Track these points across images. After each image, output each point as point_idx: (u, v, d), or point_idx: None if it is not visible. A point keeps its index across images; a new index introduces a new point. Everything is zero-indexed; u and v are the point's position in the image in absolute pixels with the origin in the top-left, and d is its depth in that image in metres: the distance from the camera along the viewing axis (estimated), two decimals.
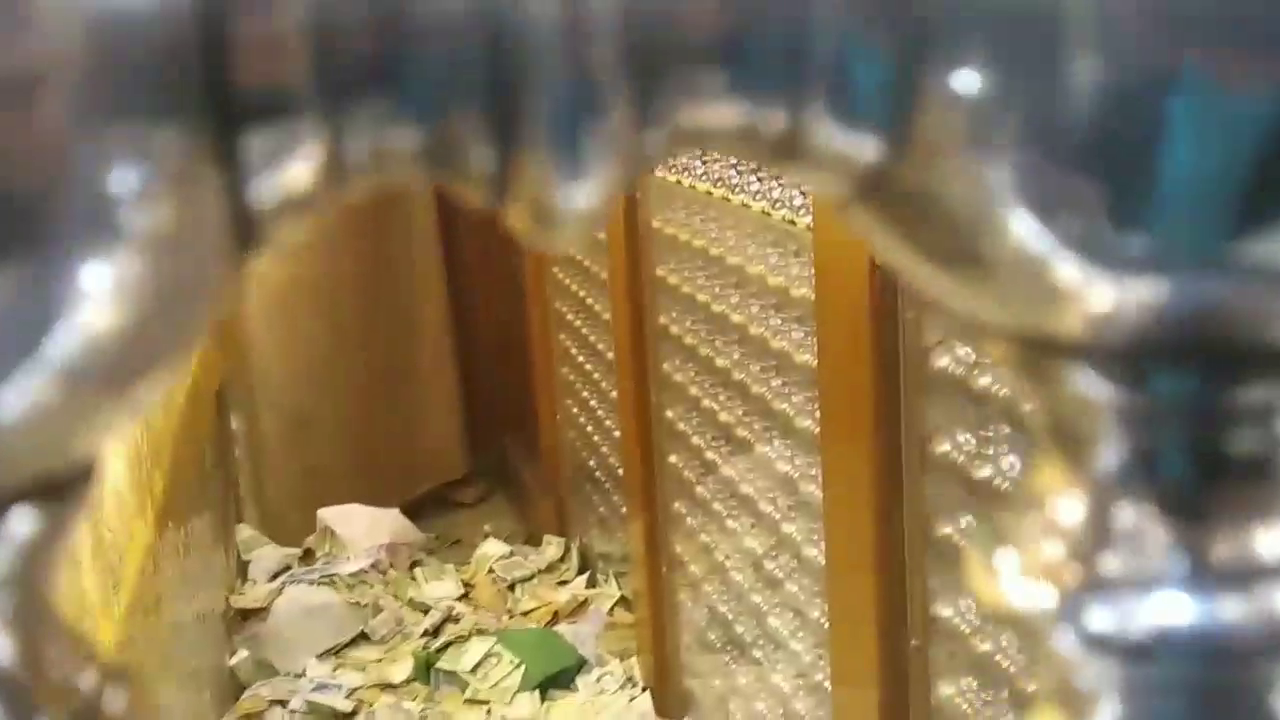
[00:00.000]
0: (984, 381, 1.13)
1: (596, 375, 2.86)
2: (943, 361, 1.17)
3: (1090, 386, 0.24)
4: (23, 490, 0.22)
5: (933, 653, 1.24)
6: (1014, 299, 0.24)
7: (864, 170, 0.23)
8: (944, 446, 1.19)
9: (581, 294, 2.91)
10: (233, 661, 2.66)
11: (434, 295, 4.07)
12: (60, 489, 0.23)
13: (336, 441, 3.76)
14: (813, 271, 1.39)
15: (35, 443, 0.22)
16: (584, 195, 0.22)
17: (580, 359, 3.00)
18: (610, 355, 2.60)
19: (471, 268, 4.15)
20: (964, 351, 1.16)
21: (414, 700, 2.51)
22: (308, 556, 3.11)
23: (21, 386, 0.20)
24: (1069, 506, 0.26)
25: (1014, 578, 0.25)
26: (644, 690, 2.45)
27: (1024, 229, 0.22)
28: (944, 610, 1.23)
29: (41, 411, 0.21)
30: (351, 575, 2.94)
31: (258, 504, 3.53)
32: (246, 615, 2.79)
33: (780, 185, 1.63)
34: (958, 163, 0.22)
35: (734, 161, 1.80)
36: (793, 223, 1.56)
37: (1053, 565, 0.25)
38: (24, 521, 0.23)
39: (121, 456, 1.74)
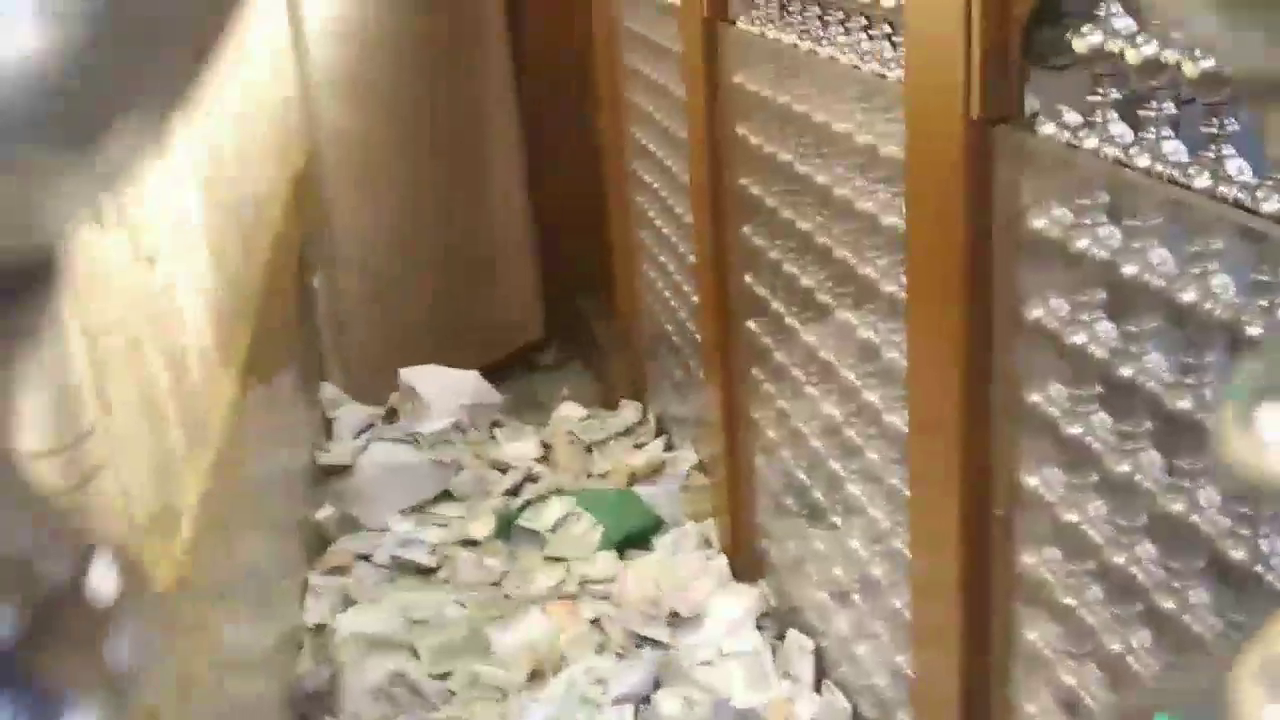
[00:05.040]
0: (1081, 244, 1.08)
1: (674, 239, 2.82)
2: (1038, 223, 1.12)
3: None
4: None
5: (1017, 522, 1.22)
6: None
7: None
8: (1037, 312, 1.14)
9: (659, 155, 2.85)
10: (319, 516, 2.74)
11: (511, 158, 4.04)
12: (11, 285, 0.18)
13: (416, 303, 3.79)
14: (903, 128, 1.33)
15: None
16: None
17: (658, 223, 2.96)
18: (688, 219, 2.56)
19: (549, 129, 4.10)
20: (1060, 212, 1.11)
21: (495, 556, 2.56)
22: (390, 415, 3.16)
23: None
24: None
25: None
26: (720, 553, 2.47)
27: None
28: (1030, 479, 1.20)
29: None
30: (433, 434, 2.99)
31: (341, 363, 3.58)
32: (331, 472, 2.86)
33: (870, 36, 1.56)
34: None
35: (820, 11, 1.72)
36: (883, 76, 1.49)
37: None
38: None
39: (204, 309, 1.76)
